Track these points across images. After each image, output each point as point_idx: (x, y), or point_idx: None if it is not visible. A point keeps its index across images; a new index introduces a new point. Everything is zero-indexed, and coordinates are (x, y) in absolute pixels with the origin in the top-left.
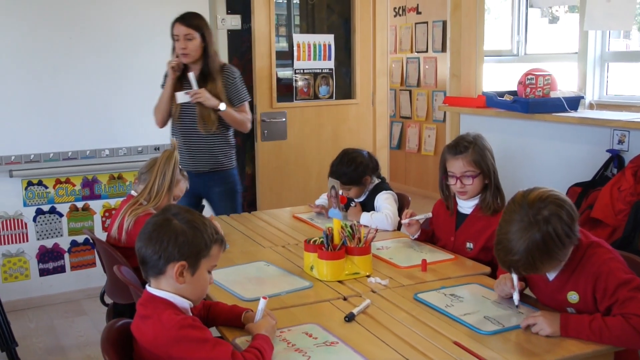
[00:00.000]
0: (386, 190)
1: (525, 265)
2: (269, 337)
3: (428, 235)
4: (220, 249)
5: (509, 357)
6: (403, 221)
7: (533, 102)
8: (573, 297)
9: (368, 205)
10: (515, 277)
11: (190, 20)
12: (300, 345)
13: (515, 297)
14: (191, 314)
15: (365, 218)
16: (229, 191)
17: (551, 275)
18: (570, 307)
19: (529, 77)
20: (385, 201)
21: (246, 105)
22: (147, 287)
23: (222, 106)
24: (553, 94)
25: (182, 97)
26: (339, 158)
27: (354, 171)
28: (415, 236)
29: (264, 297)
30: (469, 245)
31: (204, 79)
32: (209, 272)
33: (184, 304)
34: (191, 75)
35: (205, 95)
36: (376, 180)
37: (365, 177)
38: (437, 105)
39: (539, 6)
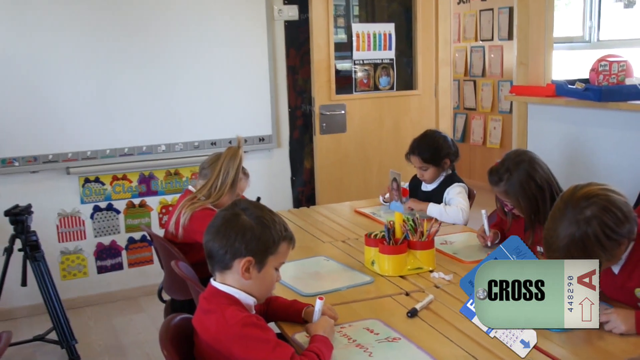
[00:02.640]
0: (458, 182)
1: None
2: (328, 338)
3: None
4: (289, 246)
5: (580, 354)
6: (488, 243)
7: (606, 89)
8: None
9: (436, 195)
10: None
11: None
12: (361, 341)
13: None
14: (254, 311)
15: (437, 210)
16: None
17: (616, 269)
18: None
19: (602, 63)
20: (458, 195)
21: None
22: (212, 281)
23: None
24: (628, 81)
25: None
26: (422, 135)
27: (436, 149)
28: (497, 241)
29: (320, 298)
30: (540, 249)
31: None
32: (277, 269)
33: (248, 300)
34: None
35: None
36: (449, 170)
37: (446, 159)
38: (503, 95)
39: None
